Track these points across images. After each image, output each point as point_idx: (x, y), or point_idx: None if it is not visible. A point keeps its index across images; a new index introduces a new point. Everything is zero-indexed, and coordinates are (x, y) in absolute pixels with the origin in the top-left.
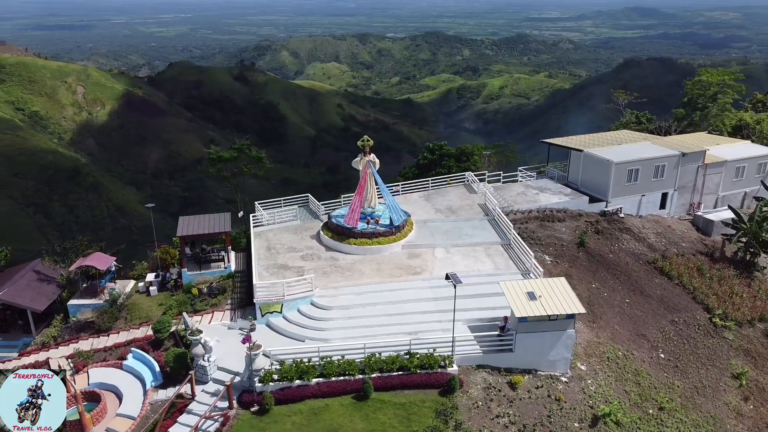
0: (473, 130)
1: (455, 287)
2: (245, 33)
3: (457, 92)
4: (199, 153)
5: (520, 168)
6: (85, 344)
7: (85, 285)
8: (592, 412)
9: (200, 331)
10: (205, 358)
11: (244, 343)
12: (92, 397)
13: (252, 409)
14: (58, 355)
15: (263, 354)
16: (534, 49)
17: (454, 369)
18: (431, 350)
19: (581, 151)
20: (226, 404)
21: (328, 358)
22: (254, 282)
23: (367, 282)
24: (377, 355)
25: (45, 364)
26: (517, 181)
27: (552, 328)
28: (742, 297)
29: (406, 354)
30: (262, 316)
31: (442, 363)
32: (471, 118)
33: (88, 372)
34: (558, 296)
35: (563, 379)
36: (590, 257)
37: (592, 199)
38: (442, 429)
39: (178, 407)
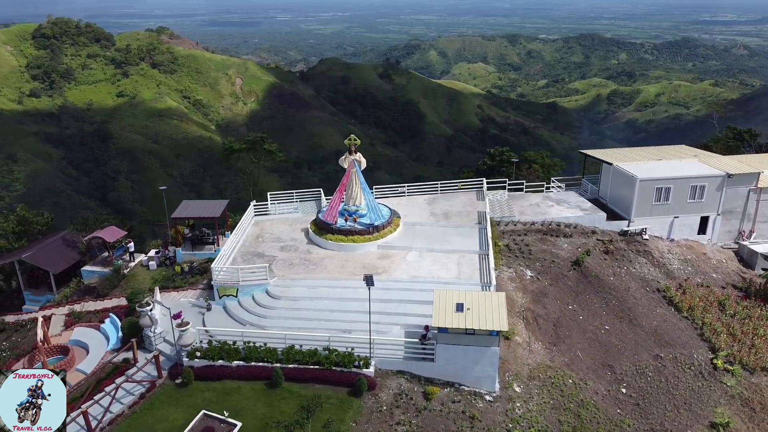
0: (621, 139)
1: (369, 289)
2: (397, 32)
3: (607, 98)
4: (338, 145)
5: (553, 179)
6: (81, 306)
7: (101, 254)
8: None
9: (149, 304)
10: (151, 330)
11: (174, 319)
12: (64, 351)
13: (177, 381)
14: (60, 313)
15: (191, 331)
16: (701, 54)
17: (370, 370)
18: (350, 349)
19: (611, 164)
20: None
21: (251, 344)
22: (212, 265)
23: (324, 277)
24: (298, 347)
25: (49, 319)
26: (544, 191)
27: (475, 342)
28: (766, 340)
29: (325, 350)
30: (219, 298)
31: (357, 363)
32: (620, 126)
33: (74, 329)
34: (488, 311)
35: (487, 397)
36: (583, 277)
37: (614, 217)
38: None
39: (120, 370)
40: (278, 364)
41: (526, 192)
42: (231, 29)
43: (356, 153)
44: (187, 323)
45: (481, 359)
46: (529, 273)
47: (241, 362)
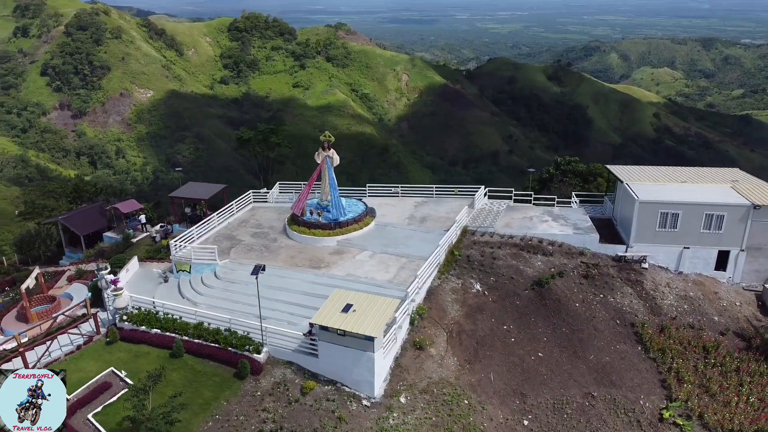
0: None
1: (257, 278)
2: (578, 33)
3: None
4: (496, 146)
5: (574, 193)
6: (88, 266)
7: (119, 223)
8: None
9: (106, 268)
10: (107, 292)
11: (111, 284)
12: (51, 300)
13: (108, 339)
14: (73, 269)
15: (124, 296)
16: None
17: (260, 356)
18: (246, 333)
19: (623, 182)
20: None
21: (170, 315)
22: (170, 242)
23: (269, 264)
24: (206, 324)
25: (63, 272)
26: (555, 205)
27: (353, 345)
28: (747, 399)
29: (226, 331)
30: (177, 272)
31: (248, 348)
32: None
33: (72, 284)
34: (371, 316)
35: (365, 402)
36: (538, 299)
37: (617, 240)
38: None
39: (78, 321)
40: (186, 337)
41: (534, 204)
42: (409, 26)
43: (329, 150)
44: (120, 289)
45: (358, 363)
46: (477, 286)
47: (159, 331)
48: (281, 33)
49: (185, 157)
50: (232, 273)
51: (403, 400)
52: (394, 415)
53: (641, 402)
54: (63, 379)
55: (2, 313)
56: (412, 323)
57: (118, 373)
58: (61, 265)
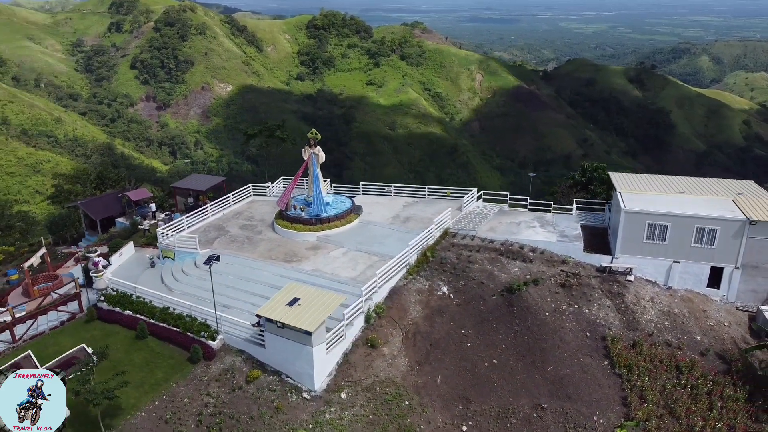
0: None
1: (210, 267)
2: (667, 34)
3: None
4: (569, 149)
5: (576, 200)
6: (97, 248)
7: (129, 210)
8: None
9: (96, 251)
10: (93, 272)
11: (93, 266)
12: (54, 279)
13: (87, 318)
14: (83, 251)
15: (104, 278)
16: None
17: (215, 343)
18: (204, 320)
19: (616, 191)
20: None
21: (141, 299)
22: (157, 230)
23: (244, 256)
24: (172, 309)
25: (75, 253)
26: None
27: (294, 338)
28: (715, 425)
29: (187, 317)
30: (162, 258)
31: (203, 334)
32: None
33: (78, 264)
34: (315, 311)
35: (305, 395)
36: (506, 305)
37: (602, 249)
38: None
39: (68, 298)
40: (153, 321)
41: (530, 209)
42: (489, 26)
43: (315, 147)
44: (101, 270)
45: (299, 356)
46: (444, 289)
47: (131, 312)
48: (357, 31)
49: (258, 151)
50: None
51: (343, 395)
52: (332, 409)
53: (595, 418)
54: (63, 380)
55: (13, 288)
56: (367, 321)
57: (87, 349)
58: (80, 246)
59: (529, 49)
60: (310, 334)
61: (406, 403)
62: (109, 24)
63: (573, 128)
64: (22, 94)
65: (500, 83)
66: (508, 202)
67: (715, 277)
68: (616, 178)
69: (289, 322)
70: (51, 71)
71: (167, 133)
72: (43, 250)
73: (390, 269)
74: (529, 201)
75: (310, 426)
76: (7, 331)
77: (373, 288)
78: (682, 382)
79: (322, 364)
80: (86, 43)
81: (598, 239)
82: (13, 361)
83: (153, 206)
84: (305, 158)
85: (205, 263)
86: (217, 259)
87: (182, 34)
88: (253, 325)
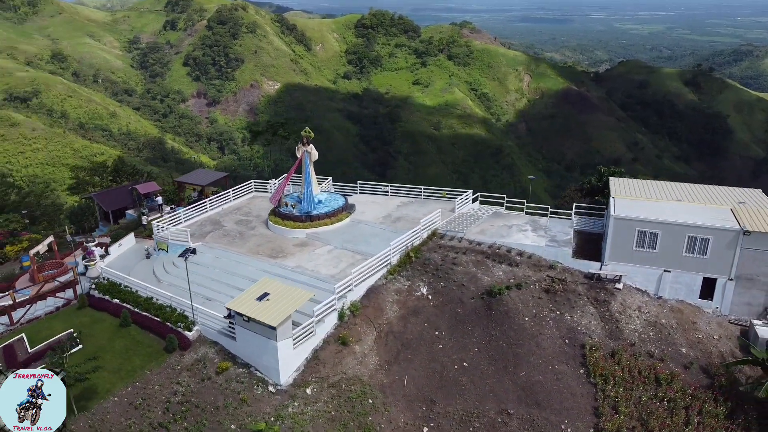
0: None
1: (185, 260)
2: (729, 35)
3: None
4: (619, 153)
5: (576, 204)
6: (103, 238)
7: (141, 202)
8: (254, 426)
9: (93, 240)
10: (86, 261)
11: (88, 255)
12: (58, 266)
13: (79, 305)
14: (92, 240)
15: (96, 267)
16: None
17: (191, 334)
18: (182, 311)
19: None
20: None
21: (129, 288)
22: (153, 223)
23: (233, 250)
24: (155, 300)
25: (84, 243)
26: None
27: (261, 332)
28: None
29: (167, 307)
30: (157, 249)
31: (180, 324)
32: None
33: (85, 252)
34: (281, 306)
35: (271, 388)
36: (485, 309)
37: (593, 255)
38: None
39: (66, 285)
40: (137, 310)
41: (526, 213)
42: (542, 26)
43: (308, 145)
44: (93, 260)
45: (265, 349)
46: (423, 290)
47: (118, 301)
48: (405, 30)
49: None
50: (200, 256)
51: (309, 391)
52: (295, 404)
53: (563, 426)
54: (63, 380)
55: (22, 274)
56: (341, 318)
57: (75, 334)
58: (94, 236)
59: (582, 50)
60: (274, 328)
61: (370, 401)
62: (165, 22)
63: (623, 131)
64: (80, 89)
65: (548, 84)
66: (505, 204)
67: (708, 289)
68: (614, 183)
69: (254, 316)
70: (108, 67)
71: (216, 129)
72: (50, 239)
73: (367, 268)
74: (525, 204)
75: (272, 419)
76: (7, 315)
77: (348, 286)
78: (659, 394)
79: (288, 359)
80: (142, 40)
81: (592, 245)
82: (6, 343)
83: (159, 199)
84: (298, 155)
85: (180, 256)
86: (193, 252)
87: (233, 33)
88: (225, 317)
